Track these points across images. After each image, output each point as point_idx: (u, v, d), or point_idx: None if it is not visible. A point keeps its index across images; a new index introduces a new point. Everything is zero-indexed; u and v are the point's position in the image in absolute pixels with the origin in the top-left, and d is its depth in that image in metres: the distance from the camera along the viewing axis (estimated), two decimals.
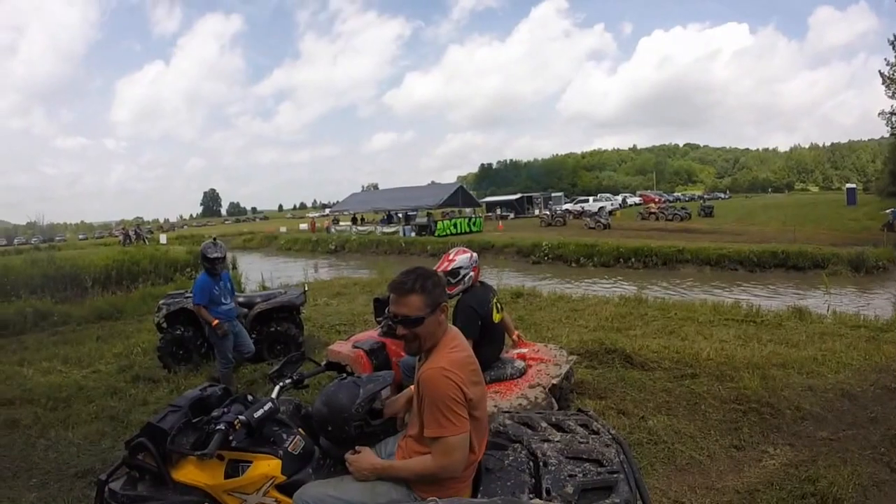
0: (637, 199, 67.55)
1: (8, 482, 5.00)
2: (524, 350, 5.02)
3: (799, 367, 6.45)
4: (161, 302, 8.11)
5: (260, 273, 19.44)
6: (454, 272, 4.51)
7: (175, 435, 2.45)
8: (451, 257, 4.61)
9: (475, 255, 4.66)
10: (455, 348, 2.38)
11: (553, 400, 4.31)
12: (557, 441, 2.55)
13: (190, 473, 2.45)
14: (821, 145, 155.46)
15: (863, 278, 18.60)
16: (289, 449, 2.49)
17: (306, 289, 9.21)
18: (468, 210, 48.97)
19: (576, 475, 2.28)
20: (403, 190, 55.09)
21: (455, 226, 40.40)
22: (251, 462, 2.45)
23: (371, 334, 5.26)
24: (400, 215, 45.55)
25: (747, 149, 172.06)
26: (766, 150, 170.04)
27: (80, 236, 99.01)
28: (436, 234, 38.17)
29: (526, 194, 66.03)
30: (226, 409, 2.57)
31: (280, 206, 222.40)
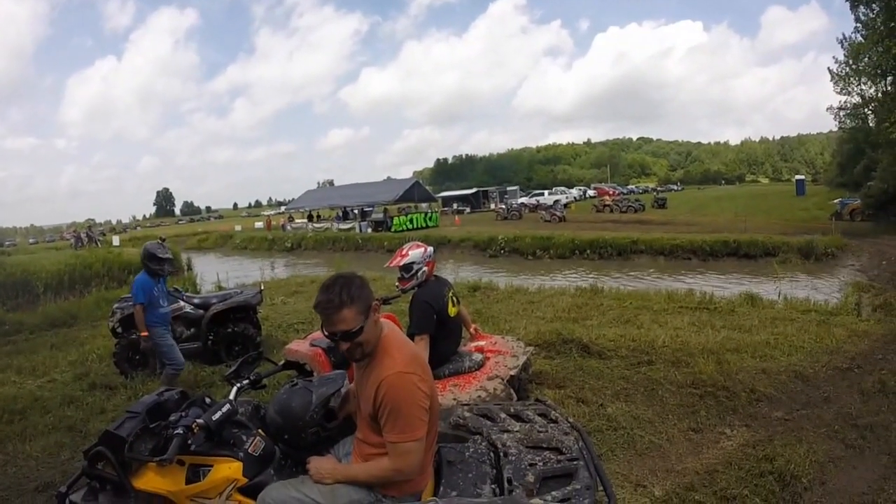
0: (592, 192, 68.39)
1: None
2: (482, 343, 5.06)
3: (752, 351, 6.59)
4: (115, 306, 7.91)
5: (216, 273, 19.22)
6: (407, 267, 4.52)
7: (133, 442, 2.37)
8: (404, 252, 4.59)
9: (430, 249, 4.65)
10: (401, 345, 2.39)
11: (512, 391, 4.35)
12: (517, 431, 2.58)
13: (151, 480, 2.40)
14: (771, 139, 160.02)
15: (812, 265, 19.03)
16: (249, 450, 2.46)
17: (262, 288, 9.07)
18: (424, 205, 48.94)
19: (536, 464, 2.30)
20: (359, 186, 54.79)
21: (411, 221, 40.28)
22: (212, 466, 2.41)
23: None
24: (356, 212, 45.34)
25: (699, 142, 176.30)
26: (717, 143, 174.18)
27: (31, 240, 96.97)
28: (392, 229, 38.09)
29: (482, 189, 66.35)
30: (183, 413, 2.52)
31: (235, 205, 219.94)
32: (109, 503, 2.43)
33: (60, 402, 6.84)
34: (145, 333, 6.10)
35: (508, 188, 66.84)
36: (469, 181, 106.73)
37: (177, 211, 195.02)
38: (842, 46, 26.70)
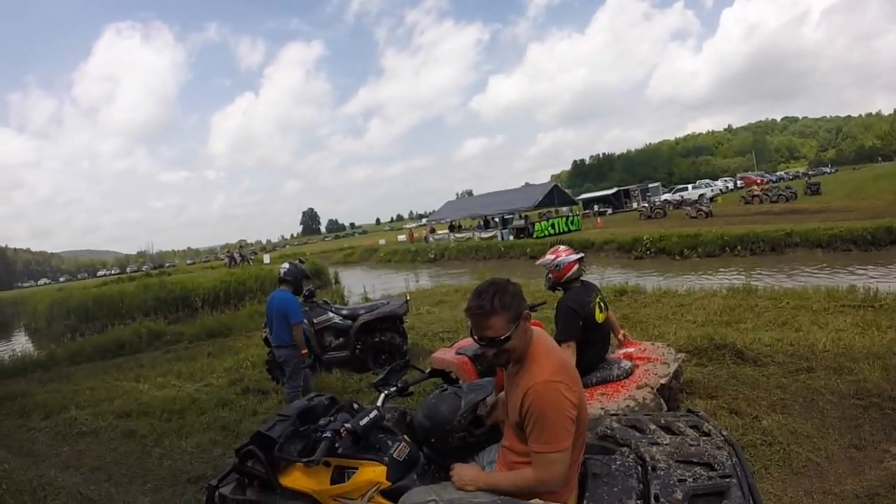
0: (739, 183, 65.06)
1: (124, 487, 5.44)
2: (630, 349, 4.95)
3: None
4: None
5: (362, 286, 19.93)
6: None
7: (283, 443, 2.57)
8: (543, 254, 4.75)
9: (563, 258, 4.61)
10: (549, 352, 2.36)
11: (662, 400, 4.24)
12: (666, 444, 2.47)
13: (297, 479, 2.56)
14: None
15: None
16: (394, 455, 2.53)
17: (408, 298, 9.36)
18: (564, 209, 48.47)
19: (686, 480, 2.20)
20: (498, 194, 55.08)
21: (553, 226, 39.90)
22: (357, 468, 2.51)
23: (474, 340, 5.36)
24: (496, 220, 45.59)
25: (849, 116, 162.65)
26: (869, 114, 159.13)
27: (188, 261, 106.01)
28: (534, 235, 37.87)
29: (622, 188, 64.66)
30: (332, 418, 2.68)
31: (377, 220, 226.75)
32: (256, 497, 2.61)
33: (215, 403, 7.51)
34: (305, 351, 6.45)
35: (650, 185, 64.74)
36: (608, 181, 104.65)
37: (322, 228, 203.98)
38: None
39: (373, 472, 2.49)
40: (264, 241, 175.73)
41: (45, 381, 11.55)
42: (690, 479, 2.21)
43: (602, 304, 4.56)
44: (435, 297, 15.80)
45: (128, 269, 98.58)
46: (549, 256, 4.66)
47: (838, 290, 10.48)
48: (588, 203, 61.61)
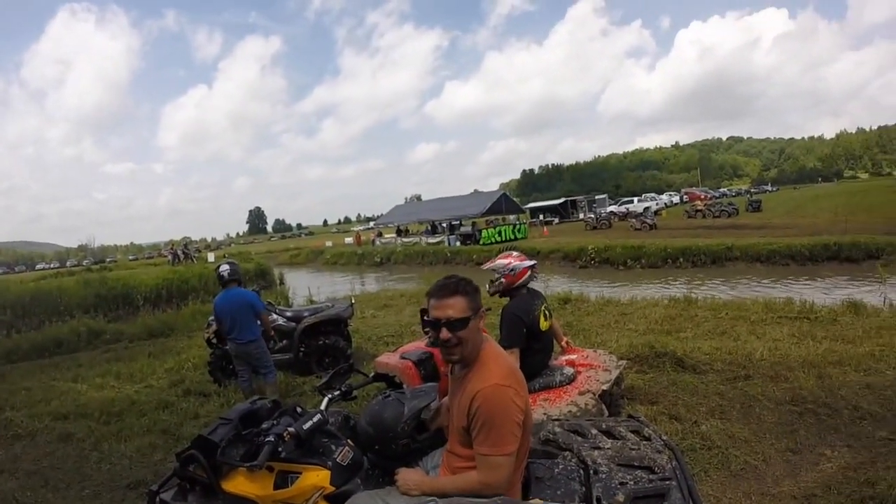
0: (683, 197, 66.67)
1: (62, 492, 5.23)
2: (573, 356, 4.97)
3: (856, 364, 6.30)
4: (210, 318, 8.20)
5: (307, 287, 19.76)
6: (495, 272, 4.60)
7: (225, 447, 2.48)
8: (495, 259, 4.71)
9: (516, 264, 4.58)
10: (499, 357, 2.39)
11: (603, 406, 4.27)
12: (608, 448, 2.50)
13: (240, 484, 2.49)
14: (868, 129, 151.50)
15: None
16: (338, 460, 2.51)
17: (353, 301, 9.28)
18: (512, 217, 48.75)
19: (627, 483, 2.23)
20: (446, 200, 55.05)
21: (500, 233, 39.96)
22: (300, 473, 2.47)
23: (419, 345, 5.29)
24: (444, 225, 45.61)
25: (792, 138, 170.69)
26: (812, 138, 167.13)
27: (131, 257, 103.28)
28: (481, 242, 37.93)
29: (570, 198, 65.65)
30: (275, 422, 2.62)
31: (325, 221, 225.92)
32: (198, 503, 2.54)
33: (156, 406, 7.31)
34: (273, 334, 6.64)
35: (597, 197, 65.92)
36: (556, 191, 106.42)
37: (268, 228, 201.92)
38: None
39: (316, 477, 2.46)
40: (209, 239, 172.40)
41: None
42: (632, 482, 2.23)
43: (547, 312, 4.56)
44: (380, 301, 15.79)
45: (68, 263, 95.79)
46: (502, 261, 4.62)
47: (776, 302, 10.77)
48: (535, 212, 62.16)
